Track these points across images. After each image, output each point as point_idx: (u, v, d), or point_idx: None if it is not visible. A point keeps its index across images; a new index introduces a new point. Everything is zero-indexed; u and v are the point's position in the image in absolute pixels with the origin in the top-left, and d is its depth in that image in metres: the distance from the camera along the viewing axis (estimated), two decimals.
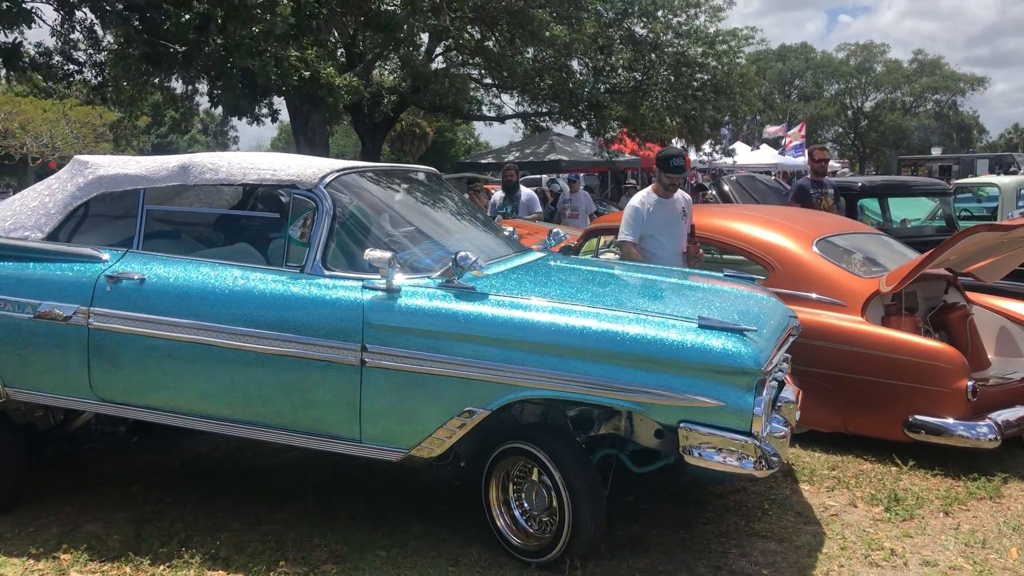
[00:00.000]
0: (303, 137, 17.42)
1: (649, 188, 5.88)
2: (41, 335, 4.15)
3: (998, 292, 6.18)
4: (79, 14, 12.40)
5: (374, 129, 21.77)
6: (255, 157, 4.39)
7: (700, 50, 20.02)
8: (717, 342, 3.39)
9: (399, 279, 3.76)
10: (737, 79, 20.93)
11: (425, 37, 19.40)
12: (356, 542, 4.01)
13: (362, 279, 3.81)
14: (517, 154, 23.28)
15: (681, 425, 3.39)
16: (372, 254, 3.67)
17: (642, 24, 20.05)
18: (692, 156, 26.28)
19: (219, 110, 13.29)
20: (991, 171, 24.76)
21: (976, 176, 20.99)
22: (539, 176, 25.56)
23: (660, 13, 19.82)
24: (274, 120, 15.28)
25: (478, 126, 49.49)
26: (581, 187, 12.98)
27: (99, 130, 32.17)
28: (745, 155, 29.14)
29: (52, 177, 4.66)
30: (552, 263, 4.65)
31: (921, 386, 4.90)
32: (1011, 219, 5.97)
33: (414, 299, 3.71)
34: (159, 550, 3.95)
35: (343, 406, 3.76)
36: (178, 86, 17.12)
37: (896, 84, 61.74)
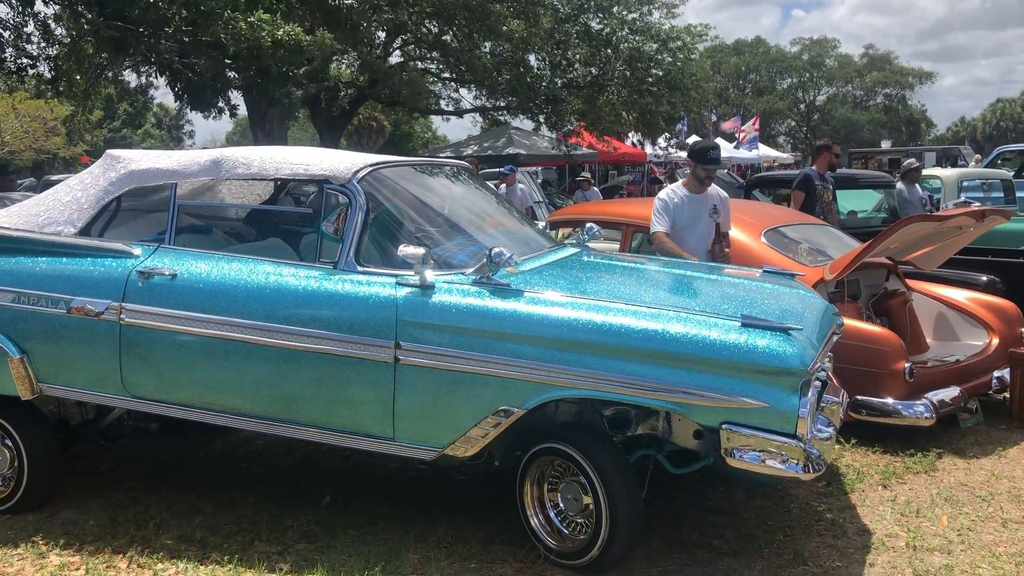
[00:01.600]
0: (260, 131, 17.43)
1: (679, 182, 5.89)
2: (73, 330, 4.11)
3: (937, 279, 6.51)
4: (38, 6, 12.32)
5: (332, 123, 21.78)
6: (288, 152, 4.38)
7: (655, 47, 20.33)
8: (761, 341, 3.30)
9: (433, 275, 3.69)
10: (690, 76, 21.26)
11: (382, 33, 19.49)
12: (327, 523, 4.17)
13: (395, 275, 3.74)
14: (475, 148, 23.34)
15: (723, 426, 3.30)
16: (406, 250, 3.61)
17: (598, 20, 20.30)
18: (648, 150, 26.65)
19: (176, 103, 13.18)
20: (939, 164, 25.35)
21: (924, 169, 21.49)
22: (497, 170, 25.65)
23: (615, 9, 20.07)
24: (232, 115, 15.20)
25: (436, 120, 49.52)
26: (517, 181, 13.12)
27: (50, 124, 31.63)
28: None
29: (85, 171, 4.63)
30: (587, 259, 4.57)
31: (863, 368, 5.17)
32: (945, 210, 6.27)
33: (448, 296, 3.65)
34: (135, 533, 4.08)
35: (376, 404, 3.70)
36: (132, 79, 17.01)
37: (847, 78, 62.85)
